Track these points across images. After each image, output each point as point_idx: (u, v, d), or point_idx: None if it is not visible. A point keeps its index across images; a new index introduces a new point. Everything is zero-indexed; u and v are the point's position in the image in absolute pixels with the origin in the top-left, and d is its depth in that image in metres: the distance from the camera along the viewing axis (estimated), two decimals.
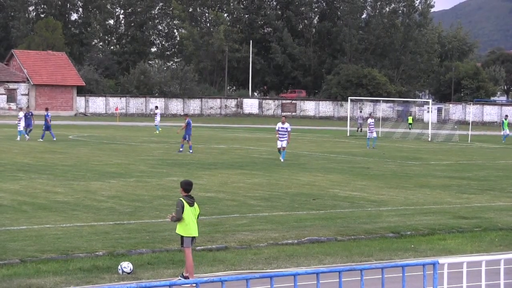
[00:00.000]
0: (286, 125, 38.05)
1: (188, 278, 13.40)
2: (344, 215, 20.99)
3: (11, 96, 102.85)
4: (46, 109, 53.70)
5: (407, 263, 10.08)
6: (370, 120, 52.44)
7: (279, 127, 37.98)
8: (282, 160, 36.92)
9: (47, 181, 26.92)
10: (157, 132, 63.50)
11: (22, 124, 50.13)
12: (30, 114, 51.26)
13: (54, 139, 49.14)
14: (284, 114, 50.56)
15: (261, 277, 8.78)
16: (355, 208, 22.41)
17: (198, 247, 15.94)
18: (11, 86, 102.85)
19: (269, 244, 16.84)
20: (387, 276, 9.26)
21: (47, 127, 50.45)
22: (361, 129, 73.62)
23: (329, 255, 15.99)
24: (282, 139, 37.55)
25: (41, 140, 48.79)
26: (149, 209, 20.95)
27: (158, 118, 67.02)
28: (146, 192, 24.62)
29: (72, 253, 14.99)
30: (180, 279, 13.26)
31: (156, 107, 75.54)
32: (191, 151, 41.65)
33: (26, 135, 49.67)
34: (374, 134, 51.65)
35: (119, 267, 13.83)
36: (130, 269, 13.77)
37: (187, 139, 42.26)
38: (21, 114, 51.00)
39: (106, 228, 17.93)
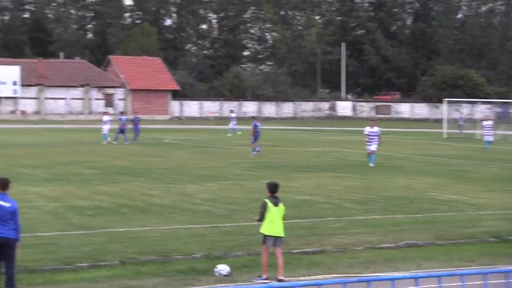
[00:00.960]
0: (375, 128, 36.92)
1: (283, 281, 13.47)
2: (443, 218, 20.62)
3: (108, 101, 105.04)
4: (121, 113, 56.73)
5: (511, 269, 9.79)
6: (485, 123, 50.96)
7: (368, 132, 36.87)
8: (371, 165, 35.69)
9: (144, 184, 27.35)
10: (230, 135, 63.88)
11: (107, 127, 51.39)
12: (138, 119, 52.94)
13: (126, 142, 50.52)
14: (371, 118, 49.66)
15: (358, 281, 8.68)
16: (454, 211, 21.99)
17: (294, 250, 15.91)
18: (109, 91, 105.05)
19: (365, 247, 16.67)
20: (489, 282, 9.03)
21: (121, 130, 52.07)
22: (462, 131, 72.35)
23: (428, 259, 15.73)
24: (371, 143, 36.51)
25: (114, 142, 50.39)
26: (244, 212, 21.03)
27: (233, 121, 67.72)
28: (241, 195, 24.74)
29: (170, 255, 15.16)
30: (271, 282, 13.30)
31: (232, 111, 76.29)
32: (254, 153, 41.96)
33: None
34: (490, 138, 49.91)
35: (216, 269, 13.91)
36: (227, 272, 13.84)
37: (254, 141, 42.70)
38: (106, 118, 52.39)
39: (202, 231, 18.08)
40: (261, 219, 13.65)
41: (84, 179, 28.46)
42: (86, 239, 16.62)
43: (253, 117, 47.96)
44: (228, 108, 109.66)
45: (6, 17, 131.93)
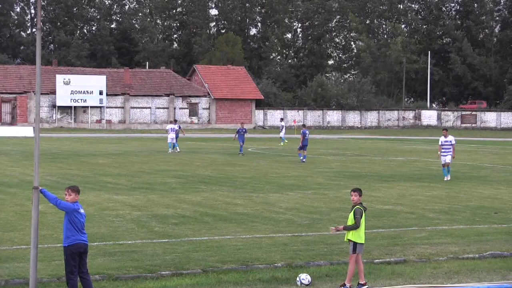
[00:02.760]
0: (450, 138, 35.34)
1: (365, 285, 13.43)
2: None
3: (193, 110, 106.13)
4: (175, 121, 58.46)
5: None
6: None
7: (442, 142, 35.24)
8: (446, 179, 33.53)
9: (227, 193, 27.49)
10: (281, 144, 63.66)
11: (171, 136, 51.79)
12: (244, 130, 52.16)
13: (177, 151, 51.25)
14: (444, 127, 48.50)
15: None
16: None
17: (376, 260, 15.74)
18: (193, 100, 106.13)
19: (449, 258, 16.36)
20: None
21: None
22: None
23: None
24: (445, 153, 34.67)
25: (171, 151, 51.31)
26: (326, 221, 20.92)
27: (283, 130, 67.69)
28: (323, 204, 24.63)
29: (252, 264, 15.16)
30: None
31: (282, 119, 76.30)
32: (304, 160, 43.08)
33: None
34: None
35: (298, 278, 13.86)
36: (309, 281, 13.77)
37: (303, 149, 43.65)
38: (169, 126, 52.95)
39: (284, 240, 18.05)
40: (358, 226, 13.54)
41: (168, 188, 28.77)
42: (169, 248, 16.77)
43: (303, 125, 48.42)
44: (312, 117, 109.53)
45: (94, 28, 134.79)
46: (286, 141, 65.86)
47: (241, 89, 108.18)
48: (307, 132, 44.77)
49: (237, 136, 51.42)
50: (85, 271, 12.31)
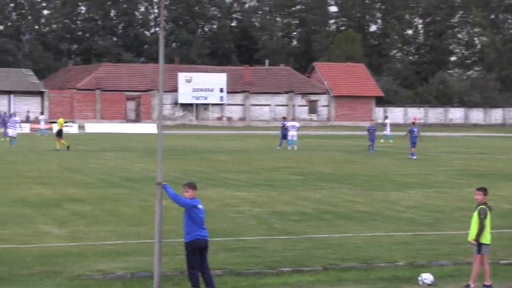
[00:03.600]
0: None
1: (491, 287, 13.09)
2: None
3: (312, 108, 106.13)
4: (284, 118, 58.78)
5: None
6: None
7: None
8: None
9: (347, 190, 27.32)
10: (382, 141, 62.54)
11: (292, 133, 51.71)
12: (374, 128, 50.56)
13: (279, 148, 51.57)
14: None
15: None
16: None
17: (502, 261, 15.31)
18: (312, 97, 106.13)
19: None
20: None
21: (284, 136, 52.59)
22: None
23: None
24: None
25: (278, 148, 51.55)
26: (449, 220, 20.51)
27: (388, 128, 66.72)
28: (446, 203, 24.15)
29: (372, 263, 15.01)
30: None
31: (386, 117, 75.43)
32: (414, 157, 42.50)
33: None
34: None
35: (420, 278, 13.62)
36: (431, 281, 13.52)
37: (412, 146, 43.36)
38: (289, 124, 53.20)
39: (405, 239, 17.78)
40: (483, 226, 13.21)
41: (288, 185, 28.84)
42: (289, 244, 16.79)
43: (413, 123, 47.72)
44: (434, 114, 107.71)
45: (215, 26, 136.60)
46: (391, 141, 64.86)
47: (360, 87, 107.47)
48: (415, 129, 44.49)
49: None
50: (206, 266, 12.46)
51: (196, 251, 12.29)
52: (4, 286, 12.58)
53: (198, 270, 12.35)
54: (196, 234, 12.26)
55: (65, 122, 60.50)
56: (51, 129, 79.37)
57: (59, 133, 48.42)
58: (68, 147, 46.71)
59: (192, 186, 12.42)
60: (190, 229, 12.28)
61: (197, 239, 12.27)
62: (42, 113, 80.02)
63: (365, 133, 53.81)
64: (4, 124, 65.46)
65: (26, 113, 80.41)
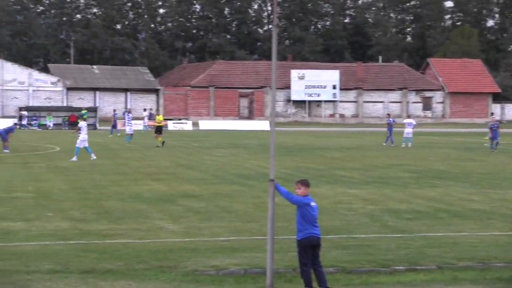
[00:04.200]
0: None
1: None
2: None
3: (426, 104, 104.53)
4: (388, 115, 58.91)
5: None
6: None
7: None
8: None
9: (462, 188, 26.75)
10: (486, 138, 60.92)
11: (408, 130, 50.85)
12: (496, 125, 47.85)
13: (392, 144, 50.92)
14: None
15: None
16: None
17: None
18: (427, 94, 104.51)
19: None
20: None
21: (390, 132, 52.25)
22: None
23: None
24: None
25: (392, 145, 50.94)
26: None
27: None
28: None
29: (490, 263, 14.62)
30: None
31: (492, 114, 73.35)
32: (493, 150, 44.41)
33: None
34: None
35: None
36: None
37: (491, 140, 45.78)
38: (406, 121, 52.45)
39: None
40: None
41: (402, 183, 28.47)
42: (403, 243, 16.56)
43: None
44: None
45: (328, 23, 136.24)
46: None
47: (477, 83, 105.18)
48: (495, 125, 46.51)
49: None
50: (318, 263, 12.41)
51: (308, 249, 12.25)
52: (121, 280, 12.86)
53: (310, 267, 12.31)
54: (308, 231, 12.22)
55: (178, 120, 61.54)
56: (166, 126, 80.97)
57: (159, 129, 49.07)
58: (163, 142, 47.38)
59: (304, 183, 12.38)
60: (302, 226, 12.25)
61: (309, 237, 12.23)
62: (145, 110, 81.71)
63: (485, 130, 52.67)
64: (116, 122, 67.40)
65: (148, 110, 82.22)
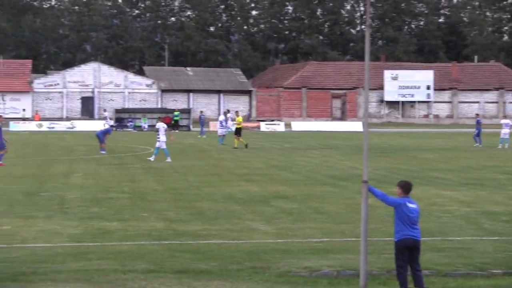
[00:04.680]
0: None
1: None
2: None
3: None
4: (477, 115, 58.36)
5: None
6: None
7: None
8: None
9: None
10: None
11: (505, 131, 49.70)
12: None
13: (480, 145, 49.98)
14: None
15: None
16: None
17: None
18: None
19: None
20: None
21: (478, 133, 51.35)
22: None
23: None
24: None
25: (479, 145, 50.04)
26: None
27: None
28: None
29: None
30: None
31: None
32: None
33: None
34: None
35: None
36: None
37: None
38: (503, 121, 51.49)
39: None
40: None
41: (498, 184, 27.87)
42: (500, 245, 16.22)
43: None
44: None
45: (422, 23, 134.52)
46: None
47: None
48: None
49: None
50: (417, 267, 12.21)
51: (405, 251, 12.11)
52: (214, 280, 12.98)
53: (407, 269, 12.17)
54: (404, 233, 12.09)
55: (270, 121, 61.49)
56: (258, 127, 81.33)
57: (238, 131, 48.95)
58: (246, 145, 47.22)
59: (400, 184, 12.32)
60: (399, 228, 12.14)
61: (405, 238, 12.08)
62: (228, 111, 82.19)
63: None
64: (202, 123, 68.00)
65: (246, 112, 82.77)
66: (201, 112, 76.74)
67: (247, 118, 76.07)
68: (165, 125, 37.92)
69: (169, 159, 36.30)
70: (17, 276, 12.92)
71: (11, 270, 13.30)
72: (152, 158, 36.52)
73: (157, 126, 38.00)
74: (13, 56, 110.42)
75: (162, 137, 36.84)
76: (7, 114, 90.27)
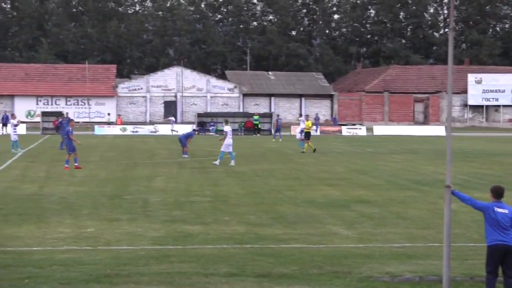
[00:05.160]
0: None
1: None
2: None
3: None
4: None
5: None
6: None
7: None
8: None
9: None
10: None
11: None
12: None
13: None
14: None
15: None
16: None
17: None
18: None
19: None
20: None
21: None
22: None
23: None
24: None
25: None
26: None
27: None
28: None
29: None
30: None
31: None
32: None
33: None
34: None
35: None
36: None
37: None
38: None
39: None
40: None
41: None
42: None
43: None
44: None
45: (507, 25, 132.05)
46: None
47: None
48: None
49: None
50: (509, 273, 11.92)
51: (495, 256, 11.84)
52: (295, 285, 12.99)
53: (496, 276, 11.91)
54: (494, 238, 11.86)
55: (352, 125, 61.25)
56: (340, 131, 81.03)
57: (307, 135, 48.55)
58: (314, 150, 46.89)
59: (491, 189, 12.21)
60: (488, 233, 11.95)
61: (494, 244, 11.84)
62: (301, 115, 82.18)
63: None
64: (279, 127, 68.30)
65: (315, 115, 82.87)
66: (278, 115, 77.24)
67: (316, 122, 75.86)
68: (230, 129, 38.14)
69: (233, 163, 36.57)
70: (101, 278, 13.17)
71: (96, 272, 13.56)
72: (217, 162, 36.72)
73: (225, 130, 38.06)
74: (98, 61, 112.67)
75: (228, 140, 36.99)
76: (92, 118, 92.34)
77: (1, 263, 14.26)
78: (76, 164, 34.25)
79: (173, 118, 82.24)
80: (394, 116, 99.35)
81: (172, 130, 76.74)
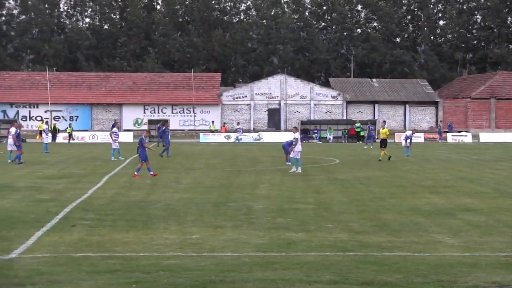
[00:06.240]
0: None
1: None
2: None
3: None
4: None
5: None
6: None
7: None
8: None
9: None
10: None
11: None
12: None
13: None
14: None
15: None
16: None
17: None
18: None
19: None
20: None
21: None
22: None
23: None
24: None
25: None
26: None
27: None
28: None
29: None
30: None
31: None
32: None
33: None
34: None
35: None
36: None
37: None
38: None
39: None
40: None
41: None
42: None
43: None
44: None
45: None
46: None
47: None
48: None
49: None
50: None
51: None
52: None
53: None
54: None
55: (457, 132, 60.33)
56: (445, 138, 79.73)
57: (384, 142, 47.72)
58: (389, 157, 46.03)
59: None
60: None
61: None
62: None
63: None
64: (371, 134, 68.12)
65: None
66: (370, 123, 77.16)
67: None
68: (299, 135, 38.04)
69: (294, 169, 36.44)
70: (206, 284, 13.37)
71: (201, 278, 13.77)
72: (294, 170, 36.65)
73: (295, 137, 37.83)
74: (203, 70, 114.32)
75: (298, 147, 36.93)
76: (197, 126, 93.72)
77: (109, 268, 14.65)
78: (152, 173, 34.54)
79: (241, 127, 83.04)
80: (501, 123, 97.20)
81: (238, 138, 77.51)
